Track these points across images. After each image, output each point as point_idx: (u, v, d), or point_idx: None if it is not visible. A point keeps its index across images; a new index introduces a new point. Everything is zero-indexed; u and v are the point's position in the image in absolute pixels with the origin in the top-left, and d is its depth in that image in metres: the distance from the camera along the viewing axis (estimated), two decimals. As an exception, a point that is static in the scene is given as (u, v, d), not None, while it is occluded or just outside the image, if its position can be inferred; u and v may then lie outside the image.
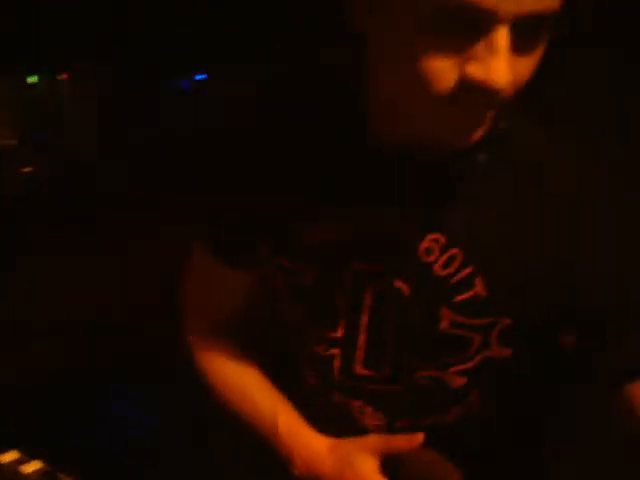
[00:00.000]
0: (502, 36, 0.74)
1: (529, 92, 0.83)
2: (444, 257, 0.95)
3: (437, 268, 0.96)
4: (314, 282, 1.03)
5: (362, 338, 1.03)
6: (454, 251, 0.95)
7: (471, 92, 0.77)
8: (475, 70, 0.76)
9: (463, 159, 0.90)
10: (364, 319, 1.02)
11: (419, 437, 1.01)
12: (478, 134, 0.85)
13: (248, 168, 1.05)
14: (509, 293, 0.94)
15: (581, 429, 1.24)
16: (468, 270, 0.94)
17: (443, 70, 0.77)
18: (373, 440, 1.06)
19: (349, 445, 1.06)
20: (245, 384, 1.16)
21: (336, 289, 1.02)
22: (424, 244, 0.96)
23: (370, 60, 0.90)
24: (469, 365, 0.99)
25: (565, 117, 1.06)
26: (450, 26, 0.75)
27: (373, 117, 0.95)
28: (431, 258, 0.96)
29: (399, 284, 0.98)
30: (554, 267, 0.92)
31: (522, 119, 0.92)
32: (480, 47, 0.75)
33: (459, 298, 0.95)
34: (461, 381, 1.01)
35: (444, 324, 0.96)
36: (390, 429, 1.08)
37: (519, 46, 0.76)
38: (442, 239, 0.95)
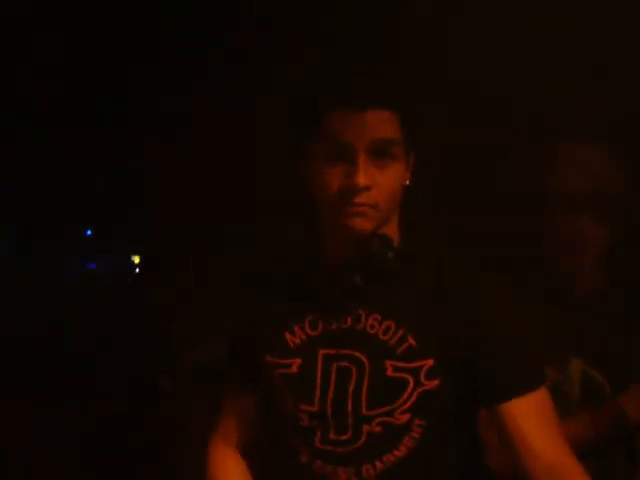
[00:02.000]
0: (360, 156, 1.28)
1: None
2: (382, 327, 1.37)
3: (380, 336, 1.37)
4: (298, 370, 1.42)
5: (329, 409, 1.40)
6: (388, 323, 1.37)
7: (349, 194, 1.28)
8: (347, 180, 1.28)
9: (389, 267, 1.35)
10: (331, 392, 1.40)
11: None
12: (367, 224, 1.31)
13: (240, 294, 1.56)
14: (430, 342, 1.36)
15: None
16: (401, 332, 1.36)
17: (332, 183, 1.30)
18: None
19: None
20: None
21: (312, 372, 1.41)
22: (369, 322, 1.38)
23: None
24: (411, 401, 1.36)
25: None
26: (333, 154, 1.29)
27: (322, 237, 1.44)
28: (374, 331, 1.38)
29: (358, 354, 1.38)
30: (452, 325, 1.35)
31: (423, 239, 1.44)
32: (350, 165, 1.29)
33: (399, 350, 1.36)
34: (405, 417, 1.36)
35: (389, 371, 1.36)
36: (358, 478, 1.40)
37: (376, 163, 1.30)
38: (379, 317, 1.38)
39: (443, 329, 1.34)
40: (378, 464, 1.38)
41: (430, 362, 1.34)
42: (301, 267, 1.47)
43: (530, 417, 1.30)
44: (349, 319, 1.39)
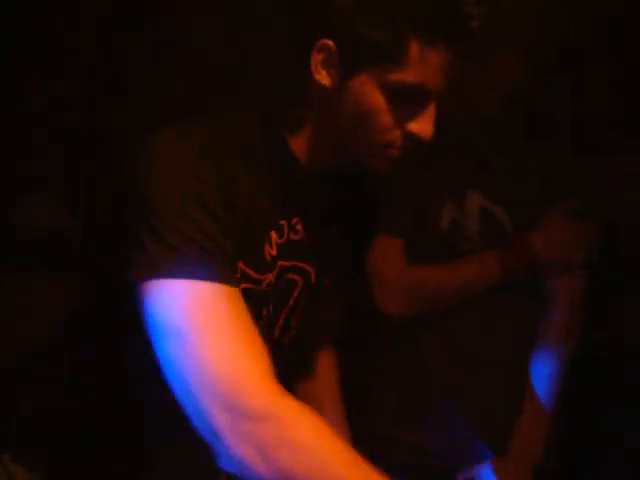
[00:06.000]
0: (434, 105, 1.13)
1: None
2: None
3: None
4: (267, 287, 1.19)
5: (282, 318, 1.27)
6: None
7: (406, 141, 1.14)
8: (416, 127, 1.13)
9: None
10: (288, 305, 1.27)
11: None
12: (390, 167, 1.19)
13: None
14: None
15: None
16: None
17: (392, 125, 1.12)
18: None
19: None
20: None
21: (275, 289, 1.22)
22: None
23: (312, 104, 1.16)
24: None
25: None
26: (402, 95, 1.09)
27: (305, 147, 1.20)
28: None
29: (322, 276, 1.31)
30: None
31: None
32: (419, 112, 1.12)
33: None
34: None
35: None
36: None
37: None
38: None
39: None
40: None
41: None
42: (274, 172, 1.18)
43: None
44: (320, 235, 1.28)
